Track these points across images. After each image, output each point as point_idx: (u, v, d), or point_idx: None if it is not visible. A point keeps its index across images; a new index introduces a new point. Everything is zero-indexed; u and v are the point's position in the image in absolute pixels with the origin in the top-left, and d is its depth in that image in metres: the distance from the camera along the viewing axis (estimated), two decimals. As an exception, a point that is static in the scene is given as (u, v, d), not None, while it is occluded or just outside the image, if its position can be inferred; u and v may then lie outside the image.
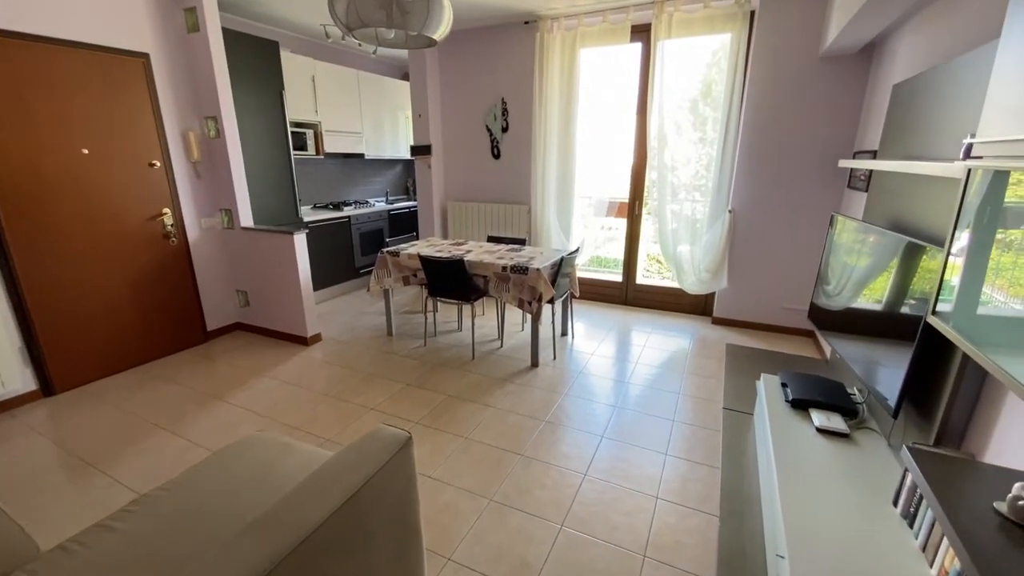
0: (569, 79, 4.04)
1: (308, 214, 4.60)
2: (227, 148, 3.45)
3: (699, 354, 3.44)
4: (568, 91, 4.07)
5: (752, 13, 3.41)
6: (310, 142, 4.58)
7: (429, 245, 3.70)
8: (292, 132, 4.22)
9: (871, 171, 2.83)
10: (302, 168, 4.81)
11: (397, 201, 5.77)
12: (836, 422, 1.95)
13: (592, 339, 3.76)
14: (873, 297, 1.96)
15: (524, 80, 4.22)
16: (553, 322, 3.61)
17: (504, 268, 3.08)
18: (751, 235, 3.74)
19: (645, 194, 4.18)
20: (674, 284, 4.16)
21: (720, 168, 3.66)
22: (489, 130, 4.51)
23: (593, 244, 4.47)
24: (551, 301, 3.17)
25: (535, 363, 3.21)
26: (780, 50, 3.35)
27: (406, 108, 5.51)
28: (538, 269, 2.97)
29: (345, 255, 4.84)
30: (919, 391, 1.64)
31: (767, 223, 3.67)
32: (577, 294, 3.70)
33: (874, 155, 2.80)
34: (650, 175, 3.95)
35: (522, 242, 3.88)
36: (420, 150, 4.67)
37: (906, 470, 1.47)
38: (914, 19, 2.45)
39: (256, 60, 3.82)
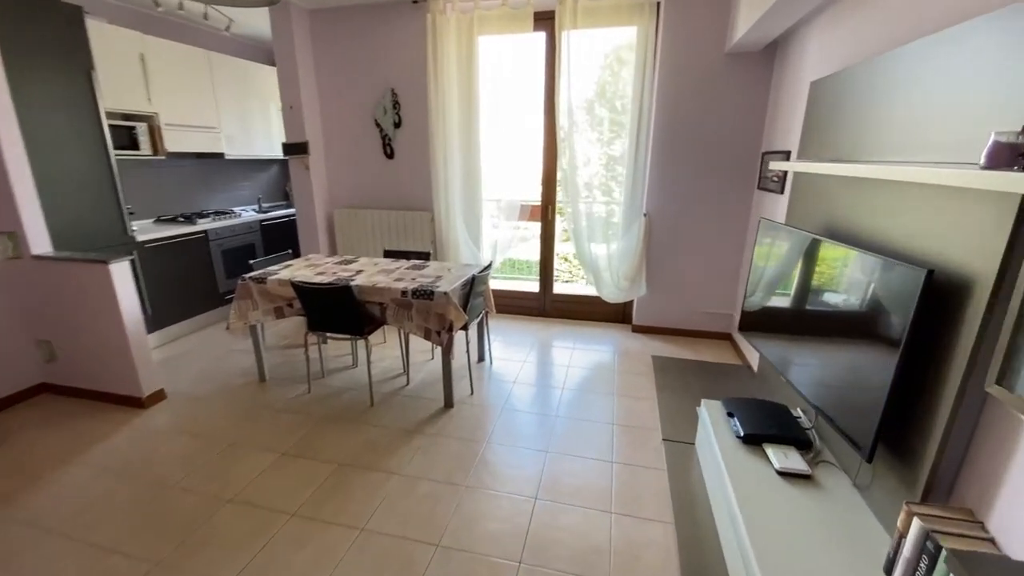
0: (468, 69, 3.56)
1: (149, 230, 3.60)
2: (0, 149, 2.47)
3: (626, 370, 3.19)
4: (468, 83, 3.59)
5: (658, 5, 3.21)
6: (143, 139, 3.58)
7: (309, 266, 3.01)
8: (112, 126, 3.22)
9: (785, 172, 2.74)
10: (133, 172, 3.78)
11: (274, 209, 4.88)
12: (795, 460, 1.72)
13: (513, 361, 3.34)
14: (827, 311, 1.75)
15: (416, 68, 3.66)
16: (468, 349, 3.13)
17: (405, 293, 2.53)
18: (667, 239, 3.59)
19: (558, 196, 3.86)
20: (592, 292, 3.89)
21: (633, 170, 3.44)
22: (379, 125, 3.88)
23: (507, 245, 4.04)
24: (464, 328, 2.69)
25: (449, 403, 2.71)
26: (687, 46, 3.19)
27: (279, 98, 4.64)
28: (446, 293, 2.47)
29: (203, 279, 3.90)
30: (891, 423, 1.43)
31: (682, 227, 3.53)
32: (493, 313, 3.27)
33: (788, 156, 2.72)
34: (560, 176, 3.63)
35: (426, 256, 3.34)
36: (294, 148, 3.89)
37: (901, 535, 1.23)
38: (825, 14, 2.35)
39: (46, 30, 2.81)
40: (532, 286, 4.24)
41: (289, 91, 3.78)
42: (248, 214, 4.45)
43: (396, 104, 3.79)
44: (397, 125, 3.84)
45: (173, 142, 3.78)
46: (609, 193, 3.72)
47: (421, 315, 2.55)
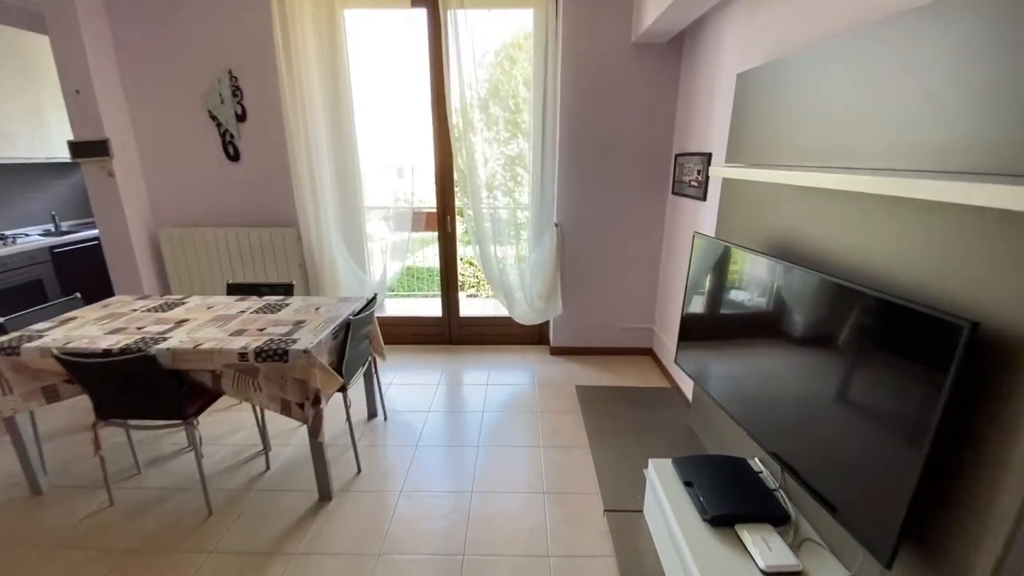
0: (332, 49, 2.83)
1: None
2: None
3: (550, 408, 2.73)
4: (334, 66, 2.86)
5: (557, -17, 2.78)
6: None
7: (104, 318, 2.08)
8: None
9: (706, 178, 2.46)
10: None
11: (80, 229, 3.64)
12: (782, 552, 1.35)
13: (415, 412, 2.71)
14: (795, 347, 1.41)
15: (261, 45, 2.83)
16: (349, 413, 2.40)
17: (245, 355, 1.78)
18: (580, 251, 3.20)
19: (457, 203, 3.29)
20: (504, 312, 3.40)
21: (541, 175, 2.99)
22: (215, 118, 2.97)
23: (399, 262, 3.36)
24: (342, 390, 2.01)
25: (325, 495, 2.01)
26: (590, 33, 2.80)
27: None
28: (306, 351, 1.77)
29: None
30: (915, 514, 1.09)
31: (595, 236, 3.17)
32: (383, 357, 2.60)
33: (708, 159, 2.44)
34: (457, 180, 3.07)
35: (287, 289, 2.56)
36: (88, 148, 2.83)
37: None
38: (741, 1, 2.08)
39: None
40: (434, 308, 3.62)
41: (73, 68, 2.72)
42: (32, 239, 3.23)
43: (236, 91, 2.92)
44: (240, 118, 2.96)
45: None
46: (516, 203, 3.24)
47: (273, 383, 1.82)
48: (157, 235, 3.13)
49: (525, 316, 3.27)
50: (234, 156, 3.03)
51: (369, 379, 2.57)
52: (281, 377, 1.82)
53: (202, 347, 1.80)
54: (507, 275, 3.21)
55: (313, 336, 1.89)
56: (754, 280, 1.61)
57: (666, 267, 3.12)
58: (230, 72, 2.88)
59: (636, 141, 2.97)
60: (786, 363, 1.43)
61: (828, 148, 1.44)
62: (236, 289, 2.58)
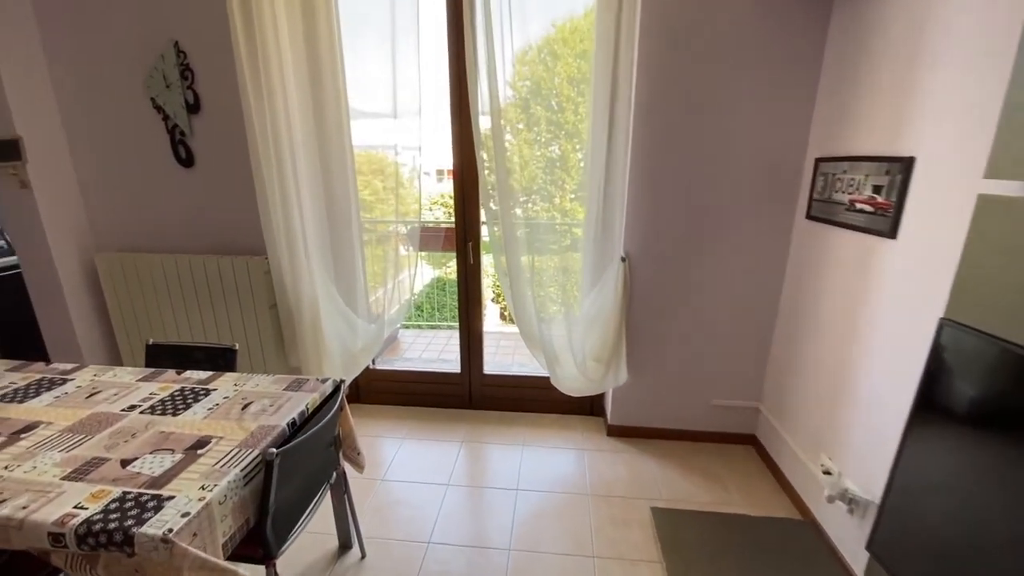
0: (314, 13, 2.00)
1: None
2: None
3: (612, 544, 1.78)
4: (315, 36, 2.03)
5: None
6: None
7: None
8: None
9: (902, 199, 1.44)
10: None
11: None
12: None
13: (410, 543, 1.82)
14: None
15: (217, 7, 2.03)
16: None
17: (61, 538, 0.94)
18: (657, 296, 2.23)
19: (483, 217, 2.41)
20: (542, 371, 2.48)
21: (603, 192, 2.04)
22: (160, 109, 2.20)
23: (405, 304, 2.51)
24: (266, 562, 1.16)
25: None
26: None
27: None
28: (166, 539, 0.91)
29: None
30: None
31: (679, 276, 2.19)
32: (362, 468, 1.74)
33: (908, 166, 1.42)
34: (484, 199, 2.17)
35: (227, 357, 1.74)
36: (-7, 150, 2.12)
37: None
38: None
39: None
40: (450, 356, 2.75)
41: (-33, 41, 2.01)
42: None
43: (186, 71, 2.13)
44: (192, 108, 2.18)
45: None
46: (565, 233, 2.30)
47: (117, 586, 0.98)
48: (92, 262, 2.40)
49: (573, 385, 2.33)
50: (186, 160, 2.26)
51: (340, 496, 1.70)
52: (135, 572, 0.97)
53: (-6, 515, 0.97)
54: (548, 326, 2.28)
55: (194, 495, 1.03)
56: None
57: (789, 325, 2.11)
58: (176, 45, 2.10)
59: (745, 141, 1.98)
60: None
61: None
62: (157, 352, 1.78)
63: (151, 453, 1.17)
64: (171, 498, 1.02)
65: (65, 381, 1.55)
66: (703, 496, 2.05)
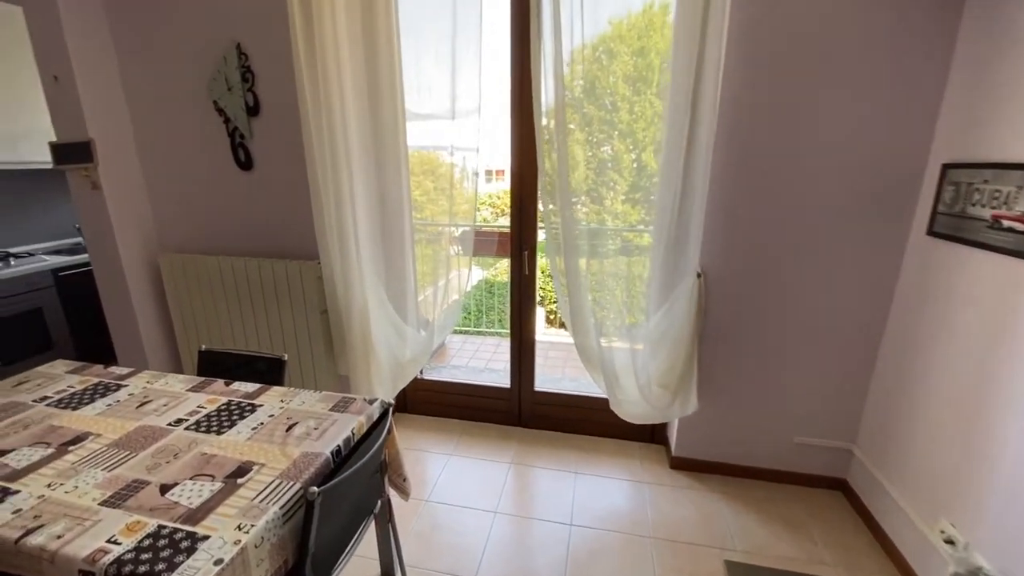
0: (372, 10, 1.92)
1: None
2: None
3: (678, 602, 1.58)
4: (372, 32, 1.95)
5: None
6: None
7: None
8: None
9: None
10: None
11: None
12: None
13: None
14: None
15: (274, 4, 1.99)
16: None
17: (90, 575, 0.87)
18: (736, 318, 1.99)
19: (540, 222, 2.26)
20: (597, 392, 2.29)
21: (678, 198, 1.82)
22: (222, 112, 2.20)
23: (455, 309, 2.39)
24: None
25: None
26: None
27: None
28: (200, 590, 0.82)
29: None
30: None
31: (763, 296, 1.94)
32: (408, 495, 1.63)
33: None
34: (544, 199, 2.01)
35: (276, 369, 1.68)
36: (69, 152, 2.19)
37: None
38: None
39: None
40: (498, 365, 2.61)
41: (49, 46, 2.08)
42: (35, 259, 2.73)
43: (247, 74, 2.12)
44: (252, 111, 2.16)
45: None
46: (632, 240, 2.09)
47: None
48: (157, 262, 2.45)
49: (634, 411, 2.12)
50: (245, 163, 2.25)
51: (384, 523, 1.59)
52: (165, 617, 0.89)
53: (29, 543, 0.92)
54: (609, 342, 2.08)
55: (230, 537, 0.93)
56: None
57: (899, 358, 1.80)
58: (238, 47, 2.08)
59: (847, 144, 1.70)
60: None
61: None
62: (210, 360, 1.75)
63: (191, 479, 1.09)
64: (206, 538, 0.93)
65: (119, 387, 1.53)
66: (786, 549, 1.79)
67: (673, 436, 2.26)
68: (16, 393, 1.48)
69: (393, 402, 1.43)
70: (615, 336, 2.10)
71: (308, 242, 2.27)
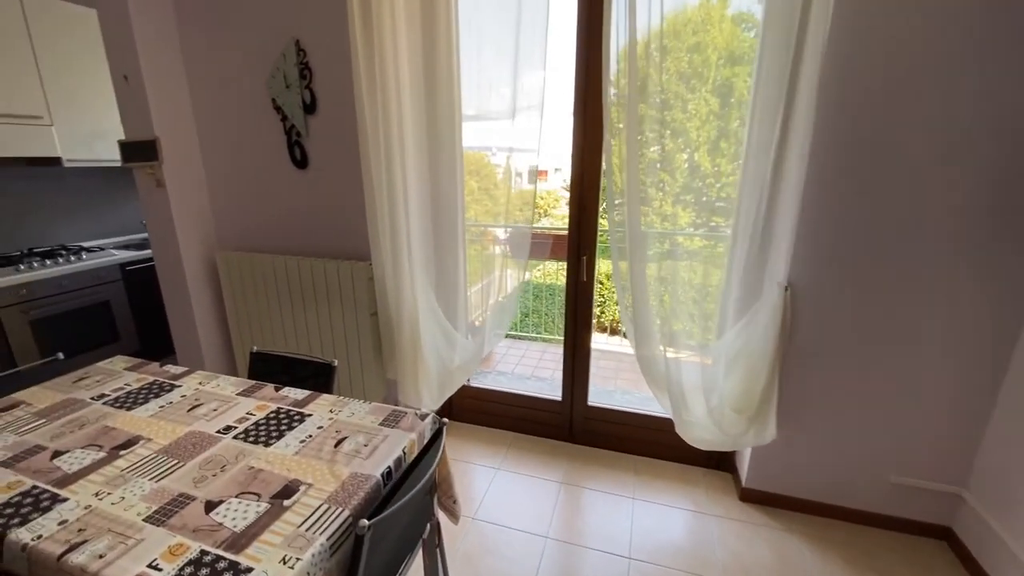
0: (432, 8, 1.83)
1: None
2: None
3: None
4: (431, 23, 1.86)
5: None
6: None
7: (37, 421, 1.32)
8: None
9: None
10: None
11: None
12: None
13: (500, 601, 1.57)
14: None
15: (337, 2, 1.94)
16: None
17: (135, 601, 0.81)
18: (827, 339, 1.75)
19: (602, 221, 2.11)
20: (658, 410, 2.11)
21: (764, 207, 1.62)
22: (279, 109, 2.18)
23: (505, 310, 2.27)
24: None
25: None
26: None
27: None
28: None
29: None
30: None
31: (865, 316, 1.69)
32: (458, 516, 1.52)
33: None
34: (608, 199, 1.85)
35: (325, 376, 1.62)
36: (136, 150, 2.24)
37: None
38: None
39: None
40: (544, 372, 2.47)
41: (120, 46, 2.12)
42: (104, 253, 2.83)
43: (305, 69, 2.08)
44: (309, 108, 2.13)
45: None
46: (699, 247, 1.89)
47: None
48: (214, 259, 2.48)
49: (702, 436, 1.92)
50: (300, 161, 2.22)
51: (431, 548, 1.49)
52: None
53: (71, 560, 0.87)
54: (676, 357, 1.89)
55: (273, 571, 0.84)
56: None
57: (1017, 393, 1.52)
58: (297, 43, 2.05)
59: (983, 135, 1.44)
60: None
61: None
62: (261, 361, 1.72)
63: (237, 497, 1.02)
64: (249, 571, 0.84)
65: (172, 388, 1.50)
66: (884, 609, 1.55)
67: (744, 465, 2.04)
68: (76, 389, 1.49)
69: (447, 421, 1.32)
70: (683, 349, 1.91)
71: (360, 242, 2.21)
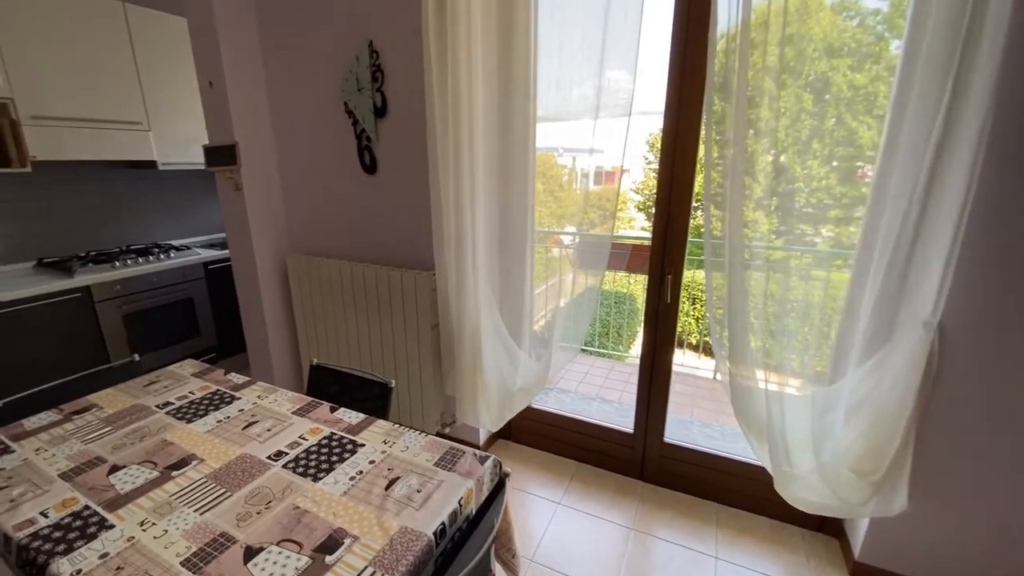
0: (510, 9, 1.68)
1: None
2: None
3: None
4: (508, 19, 1.71)
5: None
6: (-15, 139, 2.20)
7: (102, 427, 1.32)
8: None
9: None
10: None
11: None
12: None
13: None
14: None
15: (409, 3, 1.84)
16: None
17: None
18: (985, 391, 1.38)
19: (695, 226, 1.85)
20: (748, 455, 1.81)
21: (910, 229, 1.29)
22: (351, 113, 2.13)
23: (575, 333, 2.07)
24: None
25: None
26: None
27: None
28: None
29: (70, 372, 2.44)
30: None
31: (1040, 363, 1.31)
32: (517, 572, 1.36)
33: None
34: (706, 204, 1.59)
35: (382, 396, 1.52)
36: (217, 154, 2.29)
37: None
38: None
39: None
40: (611, 394, 2.24)
41: (206, 54, 2.17)
42: (190, 252, 2.98)
43: (377, 71, 2.01)
44: (379, 112, 2.06)
45: (47, 146, 2.37)
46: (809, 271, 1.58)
47: None
48: (285, 262, 2.50)
49: (808, 497, 1.60)
50: (370, 166, 2.16)
51: (486, 602, 1.33)
52: None
53: (103, 606, 0.80)
54: (779, 397, 1.59)
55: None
56: None
57: None
58: (370, 44, 1.98)
59: None
60: None
61: None
62: (321, 374, 1.65)
63: (278, 545, 0.92)
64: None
65: (232, 399, 1.47)
66: None
67: (859, 533, 1.70)
68: (145, 395, 1.49)
69: (510, 471, 1.15)
70: (789, 390, 1.60)
71: (425, 251, 2.12)
